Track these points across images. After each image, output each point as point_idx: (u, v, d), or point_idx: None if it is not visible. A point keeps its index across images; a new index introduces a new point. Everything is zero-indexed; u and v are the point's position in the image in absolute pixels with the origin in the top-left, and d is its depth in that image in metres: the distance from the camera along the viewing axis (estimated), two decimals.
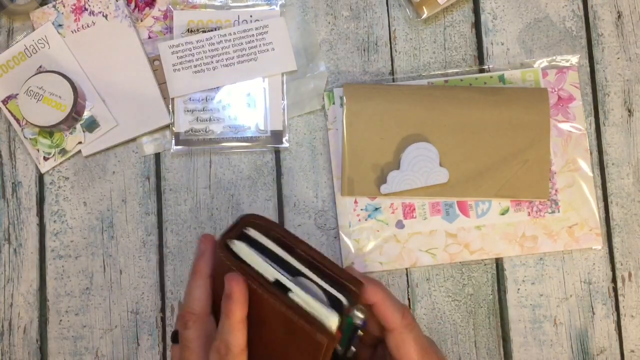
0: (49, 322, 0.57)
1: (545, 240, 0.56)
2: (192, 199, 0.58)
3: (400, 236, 0.56)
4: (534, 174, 0.55)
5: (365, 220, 0.56)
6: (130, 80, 0.58)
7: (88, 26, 0.58)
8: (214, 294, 0.44)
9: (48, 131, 0.58)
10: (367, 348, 0.46)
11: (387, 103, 0.56)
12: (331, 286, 0.42)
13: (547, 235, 0.56)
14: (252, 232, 0.44)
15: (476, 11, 0.60)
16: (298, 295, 0.40)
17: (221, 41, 0.58)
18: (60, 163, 0.58)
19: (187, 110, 0.58)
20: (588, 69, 0.59)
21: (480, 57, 0.59)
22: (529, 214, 0.56)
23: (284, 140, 0.57)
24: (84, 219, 0.58)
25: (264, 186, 0.58)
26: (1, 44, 0.59)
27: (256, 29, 0.58)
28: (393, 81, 0.59)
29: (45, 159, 0.58)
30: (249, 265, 0.42)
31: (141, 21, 0.59)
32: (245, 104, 0.58)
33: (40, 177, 0.58)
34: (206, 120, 0.58)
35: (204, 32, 0.58)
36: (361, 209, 0.57)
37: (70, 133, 0.58)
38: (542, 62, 0.58)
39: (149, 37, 0.59)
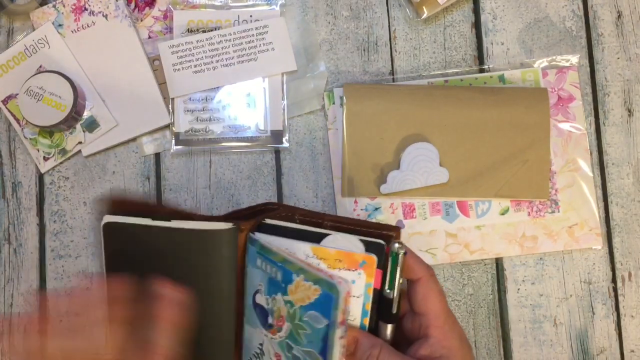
0: None
1: (545, 240, 0.56)
2: (192, 199, 0.58)
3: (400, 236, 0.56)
4: (534, 174, 0.55)
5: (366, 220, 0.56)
6: (130, 80, 0.58)
7: (88, 26, 0.58)
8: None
9: (48, 131, 0.58)
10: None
11: (387, 103, 0.56)
12: (368, 236, 0.45)
13: (547, 235, 0.56)
14: (270, 221, 0.47)
15: (476, 11, 0.60)
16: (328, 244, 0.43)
17: (221, 41, 0.58)
18: (60, 163, 0.58)
19: (187, 110, 0.58)
20: (588, 69, 0.59)
21: (480, 57, 0.59)
22: (529, 214, 0.56)
23: (284, 140, 0.57)
24: (84, 219, 0.58)
25: (264, 186, 0.58)
26: (1, 44, 0.59)
27: (256, 29, 0.58)
28: (393, 81, 0.59)
29: (45, 159, 0.58)
30: None
31: (141, 21, 0.59)
32: (245, 104, 0.58)
33: (40, 177, 0.58)
34: (206, 120, 0.58)
35: (204, 32, 0.58)
36: (361, 209, 0.57)
37: (70, 133, 0.58)
38: (542, 62, 0.58)
39: (149, 37, 0.59)
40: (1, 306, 0.57)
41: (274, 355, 0.45)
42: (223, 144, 0.57)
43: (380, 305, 0.44)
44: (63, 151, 0.58)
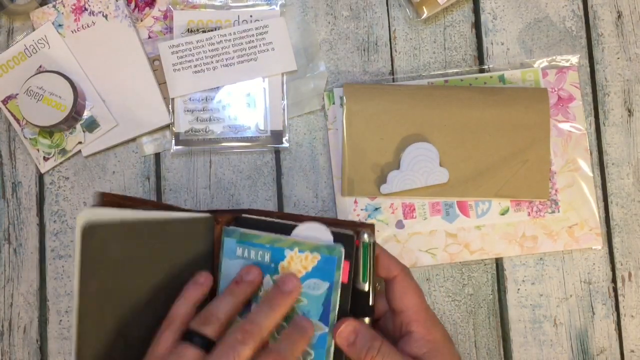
0: (49, 322, 0.57)
1: (545, 240, 0.56)
2: (192, 199, 0.58)
3: (400, 236, 0.56)
4: (534, 174, 0.55)
5: (365, 220, 0.56)
6: (130, 80, 0.58)
7: (88, 26, 0.58)
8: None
9: (48, 131, 0.58)
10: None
11: (387, 103, 0.56)
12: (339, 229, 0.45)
13: (547, 235, 0.56)
14: (246, 215, 0.48)
15: (476, 11, 0.60)
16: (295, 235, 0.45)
17: (221, 41, 0.58)
18: (60, 163, 0.58)
19: (187, 110, 0.58)
20: (588, 69, 0.59)
21: (480, 57, 0.59)
22: (529, 214, 0.56)
23: (284, 140, 0.57)
24: None
25: (264, 186, 0.58)
26: (1, 44, 0.59)
27: (256, 29, 0.58)
28: (393, 81, 0.59)
29: (45, 159, 0.58)
30: None
31: (141, 21, 0.59)
32: (245, 104, 0.58)
33: (40, 177, 0.58)
34: (206, 120, 0.58)
35: (204, 32, 0.58)
36: (361, 209, 0.57)
37: (70, 133, 0.58)
38: (542, 62, 0.58)
39: (149, 37, 0.59)
40: (1, 306, 0.57)
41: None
42: (223, 144, 0.57)
43: (355, 300, 0.44)
44: (63, 151, 0.58)
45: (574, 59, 0.58)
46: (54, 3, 0.58)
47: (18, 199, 0.58)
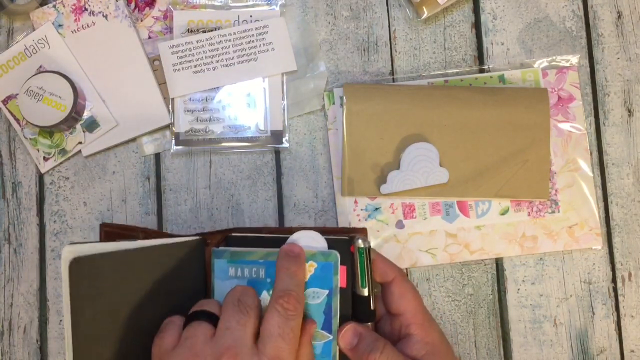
0: (49, 322, 0.57)
1: (545, 240, 0.56)
2: (192, 199, 0.58)
3: (400, 236, 0.56)
4: (534, 174, 0.55)
5: (365, 220, 0.56)
6: (130, 80, 0.58)
7: (88, 26, 0.58)
8: None
9: (48, 131, 0.58)
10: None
11: (387, 103, 0.56)
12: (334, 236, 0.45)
13: (547, 235, 0.56)
14: (235, 234, 0.47)
15: (476, 11, 0.60)
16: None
17: (221, 41, 0.58)
18: (60, 163, 0.58)
19: (187, 110, 0.58)
20: (588, 69, 0.59)
21: (480, 57, 0.59)
22: (529, 214, 0.56)
23: (284, 140, 0.57)
24: (84, 219, 0.58)
25: (264, 186, 0.58)
26: (1, 44, 0.59)
27: (256, 29, 0.58)
28: (393, 81, 0.59)
29: (45, 159, 0.58)
30: None
31: (141, 21, 0.59)
32: (245, 104, 0.58)
33: (40, 177, 0.58)
34: (206, 120, 0.58)
35: (204, 32, 0.58)
36: (361, 209, 0.57)
37: (70, 133, 0.58)
38: (542, 62, 0.58)
39: (149, 37, 0.59)
40: (1, 306, 0.57)
41: None
42: (223, 144, 0.57)
43: (355, 306, 0.44)
44: (63, 151, 0.58)
45: (574, 59, 0.58)
46: (54, 3, 0.58)
47: (18, 199, 0.58)
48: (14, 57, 0.58)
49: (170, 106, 0.58)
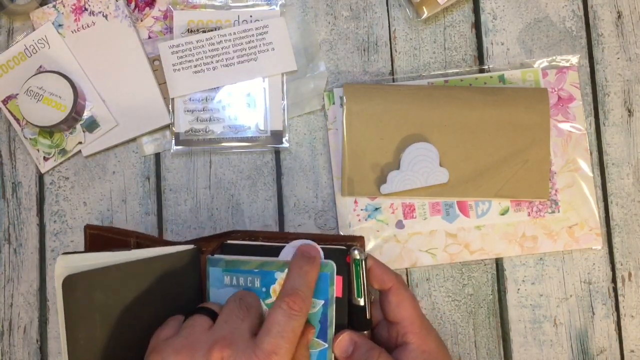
0: (49, 322, 0.57)
1: (545, 240, 0.56)
2: (192, 199, 0.58)
3: (400, 236, 0.56)
4: (534, 174, 0.55)
5: (365, 220, 0.56)
6: (130, 80, 0.58)
7: (88, 26, 0.58)
8: None
9: (48, 131, 0.58)
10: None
11: (387, 103, 0.56)
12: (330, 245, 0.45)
13: (547, 235, 0.56)
14: (230, 241, 0.47)
15: (476, 11, 0.60)
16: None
17: (221, 41, 0.58)
18: (60, 163, 0.58)
19: (187, 110, 0.58)
20: (588, 69, 0.59)
21: (480, 57, 0.59)
22: (529, 214, 0.56)
23: (284, 140, 0.57)
24: (84, 219, 0.58)
25: (264, 186, 0.58)
26: (1, 44, 0.59)
27: (256, 29, 0.58)
28: (393, 81, 0.59)
29: (45, 159, 0.58)
30: None
31: (141, 21, 0.59)
32: (245, 104, 0.58)
33: (40, 177, 0.58)
34: (206, 120, 0.58)
35: (204, 32, 0.58)
36: (361, 209, 0.57)
37: (70, 133, 0.58)
38: (542, 62, 0.58)
39: (149, 37, 0.59)
40: (1, 306, 0.57)
41: None
42: (223, 144, 0.57)
43: (351, 315, 0.45)
44: (63, 151, 0.58)
45: (574, 59, 0.58)
46: (54, 3, 0.58)
47: (18, 199, 0.58)
48: (14, 57, 0.58)
49: (170, 106, 0.58)
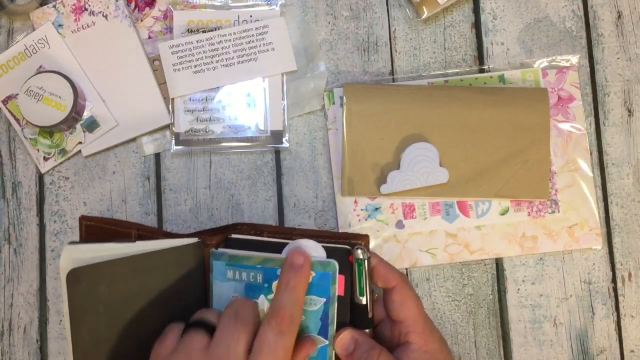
0: (49, 322, 0.57)
1: (545, 240, 0.56)
2: (192, 199, 0.58)
3: (400, 236, 0.56)
4: (534, 174, 0.55)
5: (365, 220, 0.56)
6: (130, 80, 0.58)
7: (88, 26, 0.58)
8: None
9: (48, 131, 0.58)
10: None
11: (387, 103, 0.56)
12: (334, 244, 0.45)
13: (547, 235, 0.56)
14: (235, 236, 0.47)
15: (476, 11, 0.60)
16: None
17: (221, 41, 0.58)
18: (60, 163, 0.58)
19: (187, 110, 0.58)
20: (588, 69, 0.59)
21: (480, 57, 0.59)
22: (529, 214, 0.56)
23: (284, 140, 0.57)
24: None
25: (264, 186, 0.58)
26: (1, 44, 0.59)
27: (256, 29, 0.58)
28: (393, 81, 0.59)
29: (45, 159, 0.58)
30: None
31: (141, 21, 0.59)
32: (245, 104, 0.58)
33: (40, 177, 0.58)
34: (206, 120, 0.58)
35: (204, 32, 0.58)
36: (361, 209, 0.57)
37: (70, 133, 0.58)
38: (542, 62, 0.58)
39: (149, 37, 0.59)
40: (1, 306, 0.57)
41: None
42: (223, 144, 0.57)
43: (353, 313, 0.45)
44: (63, 151, 0.58)
45: (574, 59, 0.58)
46: (54, 3, 0.58)
47: (18, 199, 0.58)
48: (14, 57, 0.58)
49: (170, 106, 0.58)
